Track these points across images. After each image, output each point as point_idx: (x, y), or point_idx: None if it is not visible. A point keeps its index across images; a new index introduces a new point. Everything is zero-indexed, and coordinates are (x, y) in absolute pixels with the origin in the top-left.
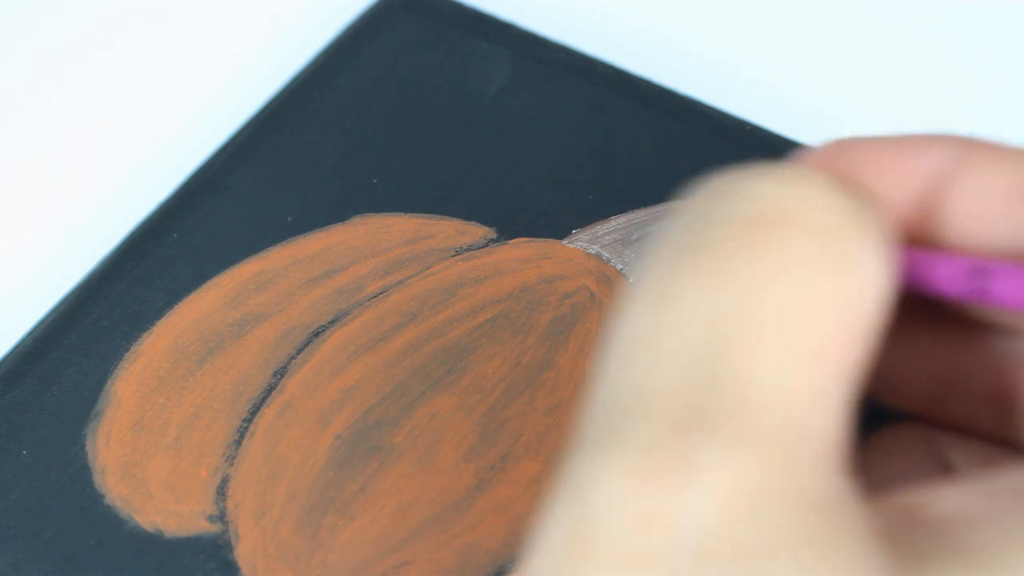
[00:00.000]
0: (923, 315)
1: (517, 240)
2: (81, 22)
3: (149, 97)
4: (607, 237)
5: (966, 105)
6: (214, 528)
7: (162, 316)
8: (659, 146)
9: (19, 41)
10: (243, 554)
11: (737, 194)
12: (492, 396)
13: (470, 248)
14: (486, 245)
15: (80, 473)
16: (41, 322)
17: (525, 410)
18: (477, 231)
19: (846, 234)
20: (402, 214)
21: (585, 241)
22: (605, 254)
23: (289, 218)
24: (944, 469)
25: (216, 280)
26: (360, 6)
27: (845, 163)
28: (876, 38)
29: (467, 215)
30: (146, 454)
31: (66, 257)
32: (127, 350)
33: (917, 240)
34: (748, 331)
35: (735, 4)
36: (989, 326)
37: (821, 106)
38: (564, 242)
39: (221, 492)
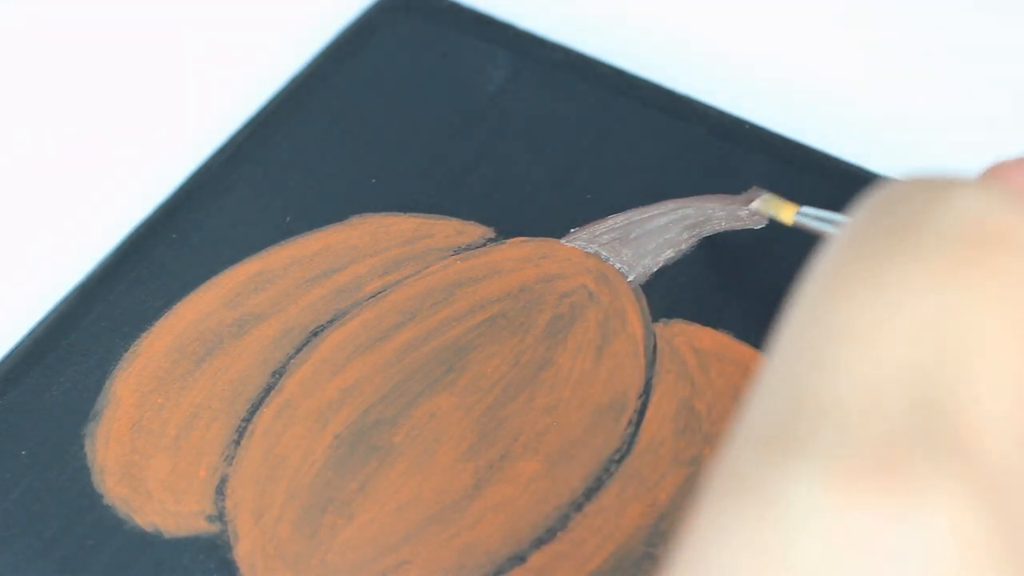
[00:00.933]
0: None
1: (515, 239)
2: (81, 22)
3: (148, 97)
4: (605, 236)
5: (969, 105)
6: (213, 528)
7: (161, 316)
8: (657, 145)
9: (19, 40)
10: (242, 554)
11: (948, 204)
12: (491, 395)
13: (468, 247)
14: (484, 244)
15: (79, 473)
16: (40, 322)
17: (524, 409)
18: (476, 230)
19: None
20: (401, 214)
21: (583, 240)
22: (604, 253)
23: (288, 218)
24: None
25: (215, 280)
26: (360, 6)
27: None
28: (873, 35)
29: (466, 215)
30: (145, 454)
31: (65, 257)
32: (126, 350)
33: None
34: (970, 353)
35: (733, 4)
36: None
37: (819, 105)
38: (562, 241)
39: (220, 492)
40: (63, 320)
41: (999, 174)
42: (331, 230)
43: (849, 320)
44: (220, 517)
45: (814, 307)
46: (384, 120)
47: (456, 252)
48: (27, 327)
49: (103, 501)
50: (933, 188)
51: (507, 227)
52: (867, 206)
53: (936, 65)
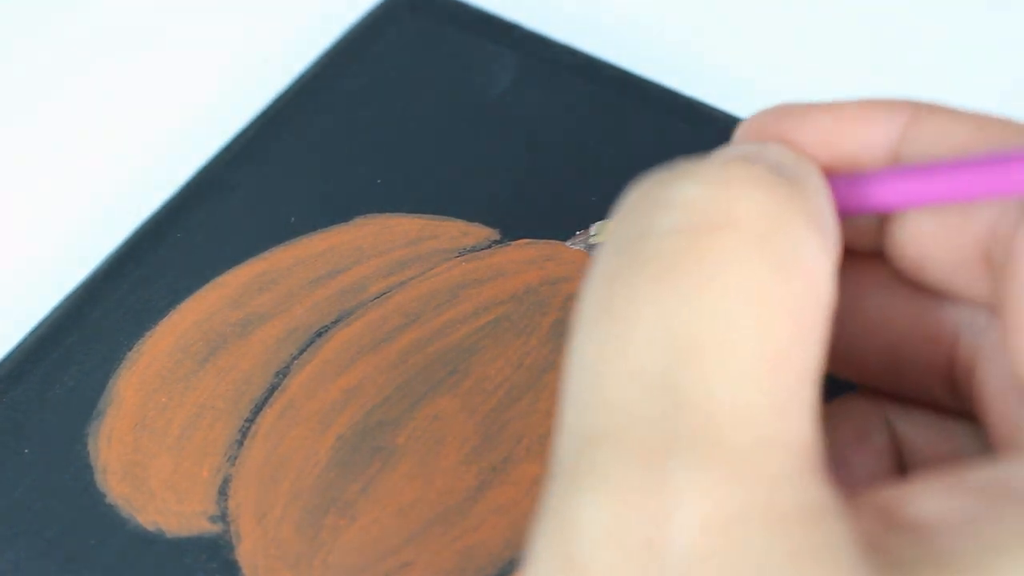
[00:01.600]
0: (873, 285)
1: (520, 241)
2: (88, 21)
3: (153, 96)
4: None
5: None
6: (215, 528)
7: (165, 315)
8: (664, 148)
9: (25, 39)
10: (244, 554)
11: (667, 202)
12: (494, 398)
13: (473, 249)
14: (489, 246)
15: (82, 472)
16: (44, 321)
17: (527, 412)
18: (481, 232)
19: (783, 228)
20: (406, 215)
21: (589, 243)
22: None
23: (292, 218)
24: (893, 439)
25: (219, 280)
26: (365, 6)
27: (786, 130)
28: (880, 43)
29: (471, 216)
30: (148, 454)
31: (69, 256)
32: (130, 349)
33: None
34: (701, 348)
35: (740, 7)
36: (939, 293)
37: None
38: (568, 244)
39: (223, 492)
40: (66, 318)
41: (751, 129)
42: (336, 231)
43: (595, 350)
44: (223, 517)
45: (570, 342)
46: (389, 120)
47: (461, 254)
48: (30, 325)
49: (105, 500)
50: (657, 187)
51: (512, 229)
52: (610, 223)
53: (940, 72)
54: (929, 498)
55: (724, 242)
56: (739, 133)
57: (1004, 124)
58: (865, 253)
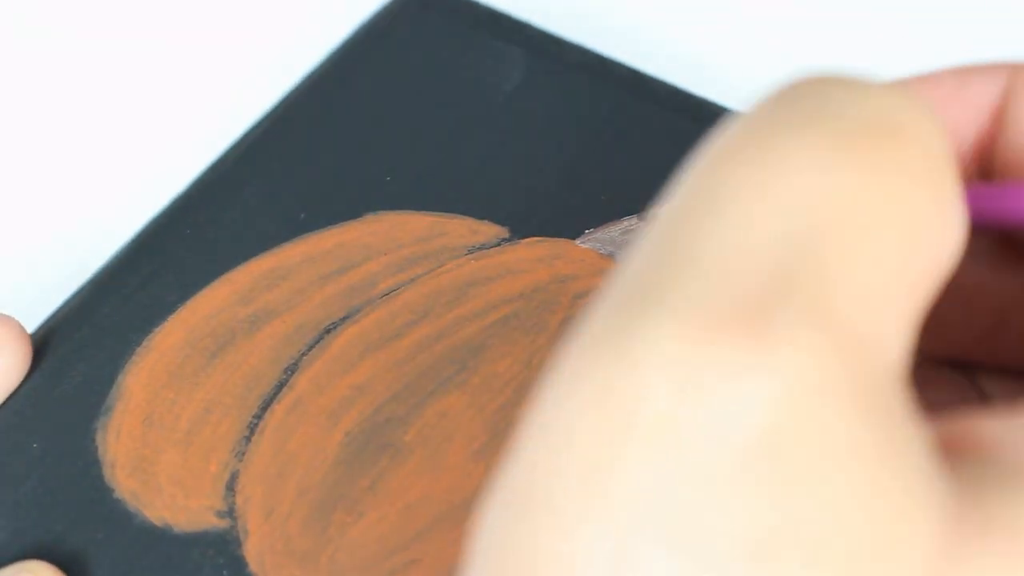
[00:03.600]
0: (978, 254)
1: (530, 239)
2: (98, 19)
3: (163, 92)
4: (620, 238)
5: None
6: (223, 523)
7: (174, 311)
8: (673, 147)
9: (36, 37)
10: (251, 550)
11: (851, 92)
12: (503, 395)
13: (483, 247)
14: (499, 244)
15: (90, 467)
16: (53, 316)
17: None
18: (490, 230)
19: (949, 168)
20: (415, 212)
21: (598, 241)
22: (618, 255)
23: (302, 215)
24: (982, 400)
25: (228, 276)
26: (376, 4)
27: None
28: (890, 41)
29: (480, 214)
30: (156, 449)
31: (79, 251)
32: (139, 345)
33: (984, 174)
34: (848, 228)
35: (751, 8)
36: None
37: None
38: (577, 242)
39: (230, 488)
40: (76, 314)
41: (916, 88)
42: (345, 227)
43: (727, 191)
44: (230, 513)
45: (696, 179)
46: (399, 118)
47: (470, 251)
48: (40, 320)
49: (114, 495)
50: (842, 83)
51: (521, 227)
52: (771, 93)
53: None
54: (1001, 425)
55: (904, 150)
56: None
57: None
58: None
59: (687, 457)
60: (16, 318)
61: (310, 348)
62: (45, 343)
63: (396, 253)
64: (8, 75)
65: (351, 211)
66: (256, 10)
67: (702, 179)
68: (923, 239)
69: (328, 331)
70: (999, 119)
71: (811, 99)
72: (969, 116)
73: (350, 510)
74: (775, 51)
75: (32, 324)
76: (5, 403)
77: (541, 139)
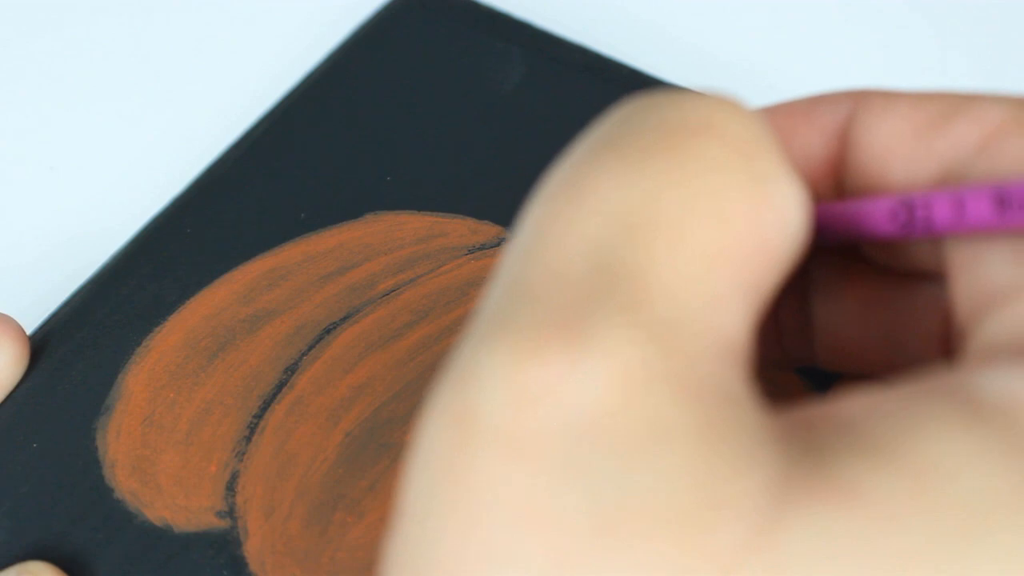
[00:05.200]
0: (858, 275)
1: None
2: (98, 19)
3: (163, 92)
4: None
5: None
6: (223, 524)
7: (174, 311)
8: None
9: (35, 37)
10: (252, 550)
11: (659, 105)
12: None
13: (483, 247)
14: (499, 244)
15: (90, 467)
16: (53, 316)
17: None
18: (490, 230)
19: (764, 151)
20: (415, 212)
21: None
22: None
23: (302, 215)
24: None
25: (228, 276)
26: (375, 4)
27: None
28: (890, 40)
29: (480, 214)
30: (156, 449)
31: (79, 251)
32: (139, 345)
33: (838, 194)
34: (653, 227)
35: (752, 6)
36: (922, 275)
37: None
38: None
39: (231, 488)
40: (76, 314)
41: (770, 114)
42: (345, 227)
43: (546, 214)
44: (230, 513)
45: (526, 218)
46: (399, 118)
47: (470, 251)
48: (40, 320)
49: (114, 495)
50: (653, 100)
51: None
52: (589, 129)
53: (967, 73)
54: (855, 401)
55: (705, 143)
56: None
57: (944, 97)
58: (838, 250)
59: (528, 456)
60: (14, 317)
61: (310, 348)
62: (45, 343)
63: (396, 253)
64: (8, 75)
65: (351, 211)
66: (256, 10)
67: (531, 217)
68: (735, 224)
69: (328, 331)
70: (845, 142)
71: (619, 122)
72: (818, 139)
73: (350, 510)
74: (776, 51)
75: (32, 324)
76: (5, 403)
77: (541, 139)
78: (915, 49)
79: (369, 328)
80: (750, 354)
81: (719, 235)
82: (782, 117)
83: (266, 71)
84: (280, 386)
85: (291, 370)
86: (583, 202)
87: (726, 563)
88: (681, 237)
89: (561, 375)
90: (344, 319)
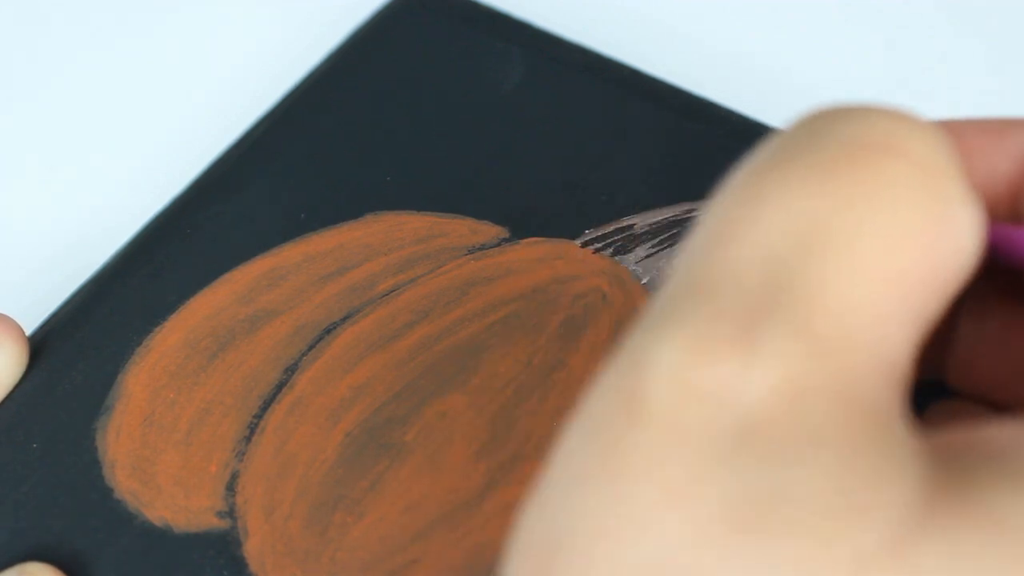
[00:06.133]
0: (1012, 301)
1: (530, 240)
2: (98, 20)
3: (163, 92)
4: (620, 238)
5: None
6: (223, 524)
7: (174, 311)
8: (674, 147)
9: (35, 37)
10: (252, 550)
11: (844, 118)
12: (503, 396)
13: (483, 247)
14: (499, 244)
15: (90, 467)
16: (53, 316)
17: (536, 410)
18: (490, 230)
19: (946, 174)
20: (415, 212)
21: (598, 242)
22: (618, 255)
23: (302, 215)
24: None
25: (228, 276)
26: (375, 4)
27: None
28: (893, 42)
29: (480, 214)
30: (156, 449)
31: (79, 251)
32: (139, 345)
33: (1013, 217)
34: (828, 244)
35: (751, 5)
36: None
37: None
38: (577, 242)
39: (231, 488)
40: (76, 314)
41: (957, 129)
42: (345, 228)
43: (729, 227)
44: (230, 513)
45: (707, 218)
46: (399, 118)
47: (470, 251)
48: (40, 320)
49: (114, 495)
50: (840, 112)
51: (521, 227)
52: (777, 134)
53: (953, 72)
54: (1005, 430)
55: (890, 163)
56: None
57: None
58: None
59: (688, 444)
60: (14, 317)
61: (310, 348)
62: (45, 343)
63: (396, 253)
64: (8, 75)
65: (351, 211)
66: (256, 10)
67: (712, 218)
68: (911, 247)
69: (328, 331)
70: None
71: (805, 132)
72: (1005, 163)
73: (350, 510)
74: (778, 51)
75: (32, 324)
76: (5, 403)
77: (541, 139)
78: (915, 49)
79: (369, 328)
80: (908, 376)
81: (894, 258)
82: (971, 135)
83: (266, 71)
84: (280, 386)
85: (291, 370)
86: (764, 210)
87: (860, 566)
88: (856, 257)
89: (729, 376)
90: (344, 319)
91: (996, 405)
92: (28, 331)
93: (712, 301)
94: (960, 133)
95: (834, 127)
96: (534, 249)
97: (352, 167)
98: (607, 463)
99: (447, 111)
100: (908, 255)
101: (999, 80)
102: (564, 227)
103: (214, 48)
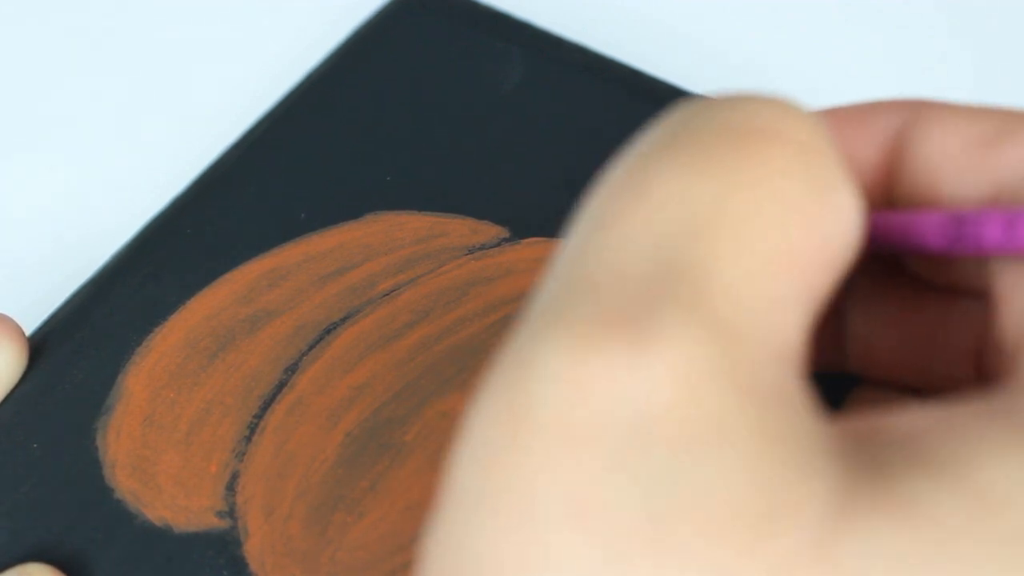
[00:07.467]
0: (896, 285)
1: (530, 240)
2: (98, 19)
3: (163, 92)
4: None
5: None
6: (223, 524)
7: (174, 311)
8: None
9: (35, 37)
10: (252, 550)
11: (721, 107)
12: None
13: (483, 247)
14: (499, 244)
15: (90, 467)
16: (53, 316)
17: None
18: (490, 230)
19: (825, 157)
20: (415, 212)
21: None
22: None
23: (302, 215)
24: None
25: (228, 276)
26: (375, 4)
27: None
28: (893, 42)
29: (480, 214)
30: (156, 449)
31: (79, 251)
32: (139, 345)
33: (887, 203)
34: (717, 227)
35: (752, 6)
36: (961, 291)
37: None
38: None
39: (231, 488)
40: (76, 313)
41: (823, 118)
42: (345, 227)
43: (609, 211)
44: (230, 513)
45: (586, 211)
46: (399, 118)
47: (470, 251)
48: (40, 320)
49: (114, 495)
50: (721, 97)
51: (522, 227)
52: (652, 125)
53: (960, 76)
54: (916, 417)
55: (771, 147)
56: None
57: (1002, 114)
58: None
59: (583, 449)
60: (14, 318)
61: (310, 348)
62: (45, 343)
63: (396, 253)
64: (8, 75)
65: (351, 211)
66: (256, 10)
67: (594, 208)
68: (798, 227)
69: (328, 331)
70: (900, 151)
71: (685, 121)
72: (872, 147)
73: (350, 510)
74: (776, 51)
75: (32, 324)
76: (5, 403)
77: (541, 139)
78: (915, 49)
79: (369, 328)
80: (804, 359)
81: (782, 239)
82: (836, 122)
83: (266, 71)
84: (280, 386)
85: (291, 370)
86: (648, 199)
87: (783, 572)
88: (745, 239)
89: (621, 369)
90: (344, 319)
91: (913, 389)
92: (28, 331)
93: (597, 292)
94: (830, 121)
95: (716, 115)
96: (534, 249)
97: (352, 167)
98: (500, 484)
99: (447, 111)
100: (796, 234)
101: (999, 80)
102: (564, 227)
103: (214, 48)
